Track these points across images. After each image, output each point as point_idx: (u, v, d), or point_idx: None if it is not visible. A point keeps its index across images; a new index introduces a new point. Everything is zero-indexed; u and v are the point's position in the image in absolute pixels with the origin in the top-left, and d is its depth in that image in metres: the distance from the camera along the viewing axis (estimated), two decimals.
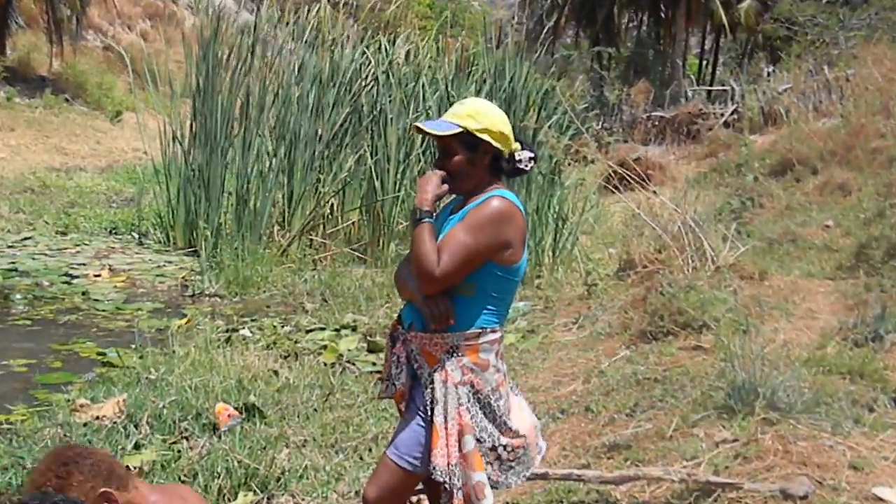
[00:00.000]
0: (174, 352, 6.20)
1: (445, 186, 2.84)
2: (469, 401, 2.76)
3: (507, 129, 2.85)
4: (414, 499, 3.72)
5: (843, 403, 4.34)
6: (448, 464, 2.72)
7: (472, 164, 2.83)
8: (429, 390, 2.80)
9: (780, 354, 4.92)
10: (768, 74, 24.37)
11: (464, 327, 2.78)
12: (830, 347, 5.33)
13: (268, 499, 4.06)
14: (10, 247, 10.28)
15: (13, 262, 9.45)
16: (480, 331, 2.79)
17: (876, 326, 5.51)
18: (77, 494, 2.26)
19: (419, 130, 2.92)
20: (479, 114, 2.81)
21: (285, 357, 6.32)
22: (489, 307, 2.81)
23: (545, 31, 21.52)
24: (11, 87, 21.29)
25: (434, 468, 2.73)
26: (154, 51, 20.14)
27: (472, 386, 2.78)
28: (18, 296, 8.21)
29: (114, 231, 11.77)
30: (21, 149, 18.35)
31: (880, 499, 3.49)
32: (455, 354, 2.78)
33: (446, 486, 2.74)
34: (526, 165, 2.92)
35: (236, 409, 4.99)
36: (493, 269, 2.78)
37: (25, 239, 10.82)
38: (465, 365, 2.78)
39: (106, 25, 30.70)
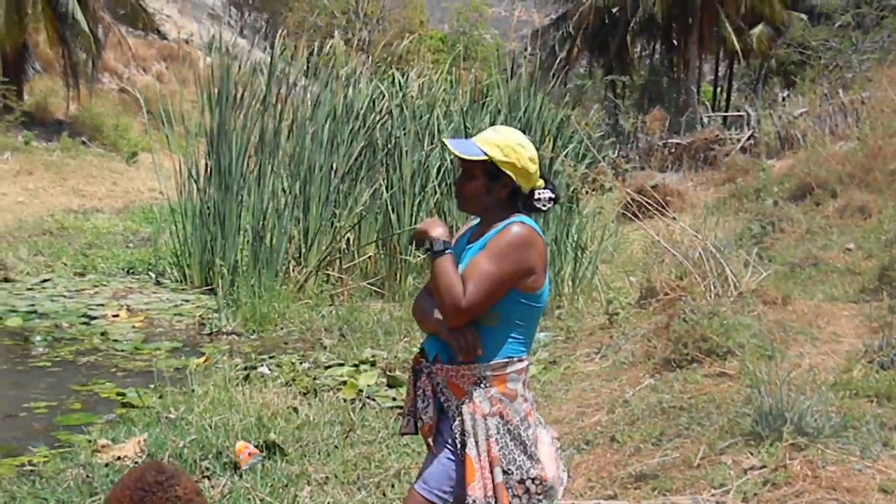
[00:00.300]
0: (193, 391, 6.20)
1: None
2: (499, 432, 2.73)
3: (534, 167, 2.83)
4: None
5: (872, 426, 4.31)
6: (485, 495, 2.69)
7: (488, 192, 2.82)
8: (457, 423, 2.77)
9: (806, 379, 4.89)
10: (783, 99, 24.38)
11: (490, 357, 2.75)
12: (856, 371, 5.30)
13: None
14: (29, 289, 10.33)
15: (33, 305, 9.49)
16: (507, 360, 2.77)
17: None
18: None
19: (445, 146, 2.92)
20: (508, 147, 2.79)
21: (304, 394, 6.30)
22: (514, 336, 2.78)
23: (558, 61, 21.65)
24: (29, 132, 21.50)
25: (474, 502, 2.69)
26: (169, 92, 20.31)
27: (502, 416, 2.74)
28: (38, 338, 8.24)
29: (131, 271, 11.81)
30: (39, 192, 18.51)
31: None
32: (482, 385, 2.75)
33: None
34: (543, 206, 2.88)
35: (257, 447, 4.98)
36: (517, 297, 2.76)
37: (44, 281, 10.87)
38: (493, 396, 2.75)
39: (121, 68, 31.08)
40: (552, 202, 2.90)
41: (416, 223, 10.31)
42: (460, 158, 2.84)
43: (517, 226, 2.76)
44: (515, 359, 2.78)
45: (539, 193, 2.87)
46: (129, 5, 28.28)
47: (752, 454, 4.10)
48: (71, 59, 24.05)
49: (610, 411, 5.30)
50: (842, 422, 4.26)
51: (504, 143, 2.80)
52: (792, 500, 3.60)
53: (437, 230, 2.77)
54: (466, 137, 2.96)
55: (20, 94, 22.45)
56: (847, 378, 5.11)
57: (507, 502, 2.69)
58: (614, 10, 33.54)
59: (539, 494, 2.76)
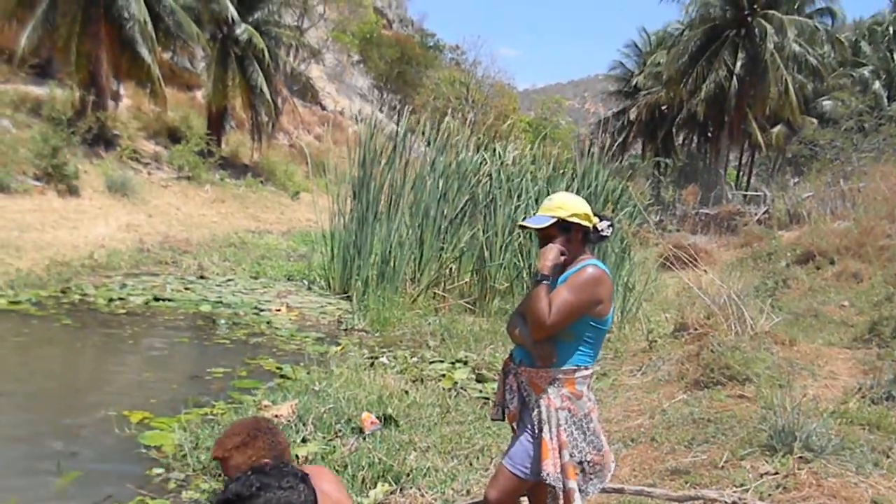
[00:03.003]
0: (332, 371, 6.26)
1: (563, 257, 2.78)
2: (567, 422, 2.69)
3: (588, 209, 2.83)
4: None
5: (865, 449, 4.08)
6: (556, 470, 2.65)
7: (568, 242, 2.79)
8: (535, 413, 2.74)
9: (810, 406, 4.65)
10: (794, 184, 23.60)
11: (563, 364, 2.72)
12: (852, 403, 5.02)
13: (400, 490, 4.00)
14: (218, 285, 10.64)
15: (219, 297, 9.77)
16: (576, 367, 2.72)
17: (889, 388, 5.21)
18: (245, 458, 2.10)
19: (523, 228, 2.89)
20: (565, 205, 2.79)
21: (413, 381, 6.28)
22: (582, 349, 2.74)
23: (617, 144, 21.43)
24: (224, 171, 22.26)
25: (547, 475, 2.65)
26: (325, 149, 20.84)
27: (570, 411, 2.70)
28: (222, 321, 8.47)
29: (290, 278, 12.03)
30: (228, 215, 19.11)
31: None
32: (556, 385, 2.71)
33: (553, 488, 2.66)
34: (606, 232, 2.87)
35: (377, 417, 4.98)
36: (588, 321, 2.72)
37: (229, 280, 11.19)
38: (564, 394, 2.71)
39: (292, 129, 32.02)
40: (611, 228, 2.88)
41: (503, 259, 10.27)
42: (539, 230, 2.82)
43: (591, 267, 2.73)
44: (583, 367, 2.74)
45: (600, 226, 2.85)
46: (302, 83, 29.19)
47: (766, 462, 3.89)
48: (257, 120, 24.90)
49: (650, 417, 5.12)
50: (840, 443, 4.03)
51: (561, 203, 2.80)
52: (799, 502, 3.40)
53: (547, 260, 2.74)
54: (544, 200, 2.94)
55: (219, 143, 23.30)
56: (844, 408, 4.84)
57: (574, 478, 2.65)
58: (663, 108, 33.17)
59: (591, 474, 2.73)
